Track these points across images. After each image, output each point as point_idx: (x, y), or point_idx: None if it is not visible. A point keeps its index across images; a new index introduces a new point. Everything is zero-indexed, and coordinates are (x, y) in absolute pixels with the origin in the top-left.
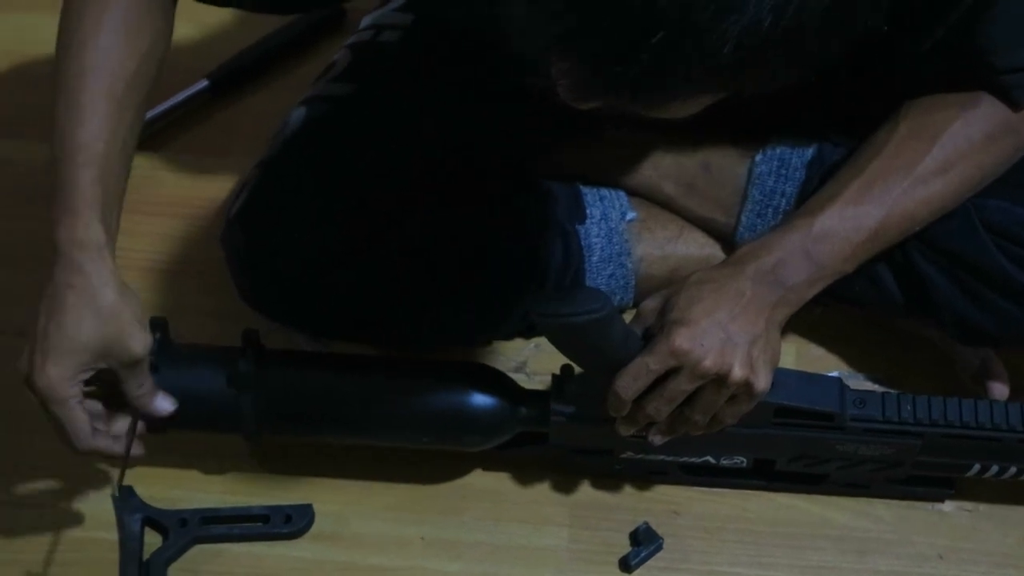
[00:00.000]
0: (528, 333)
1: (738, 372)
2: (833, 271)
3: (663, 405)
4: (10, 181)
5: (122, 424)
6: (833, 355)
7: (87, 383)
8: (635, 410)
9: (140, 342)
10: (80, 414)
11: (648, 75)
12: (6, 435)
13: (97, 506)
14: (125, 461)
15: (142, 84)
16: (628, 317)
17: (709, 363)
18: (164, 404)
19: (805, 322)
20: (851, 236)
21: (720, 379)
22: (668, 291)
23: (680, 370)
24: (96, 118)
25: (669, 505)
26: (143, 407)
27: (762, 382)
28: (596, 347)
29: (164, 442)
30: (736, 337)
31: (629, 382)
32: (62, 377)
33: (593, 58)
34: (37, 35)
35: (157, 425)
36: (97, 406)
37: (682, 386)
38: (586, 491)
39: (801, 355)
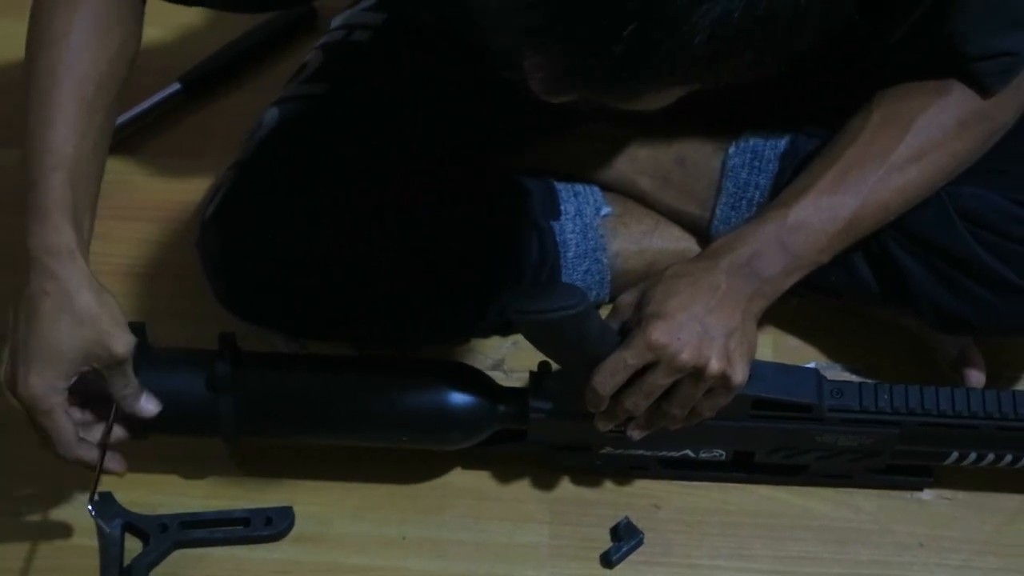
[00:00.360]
0: (505, 330)
1: (715, 365)
2: (809, 262)
3: (641, 400)
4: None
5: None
6: (810, 346)
7: (70, 389)
8: (613, 405)
9: (122, 343)
10: (65, 423)
11: (621, 67)
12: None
13: (77, 512)
14: (99, 470)
15: (113, 85)
16: (604, 312)
17: (686, 356)
18: (149, 405)
19: (781, 313)
20: (826, 226)
21: (697, 372)
22: (644, 285)
23: (657, 364)
24: (66, 120)
25: (649, 499)
26: (128, 407)
27: (739, 375)
28: (573, 343)
29: (143, 447)
30: (712, 330)
31: (607, 377)
32: (46, 386)
33: (565, 51)
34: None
35: (137, 431)
36: (80, 414)
37: (659, 380)
38: (566, 487)
39: (778, 347)
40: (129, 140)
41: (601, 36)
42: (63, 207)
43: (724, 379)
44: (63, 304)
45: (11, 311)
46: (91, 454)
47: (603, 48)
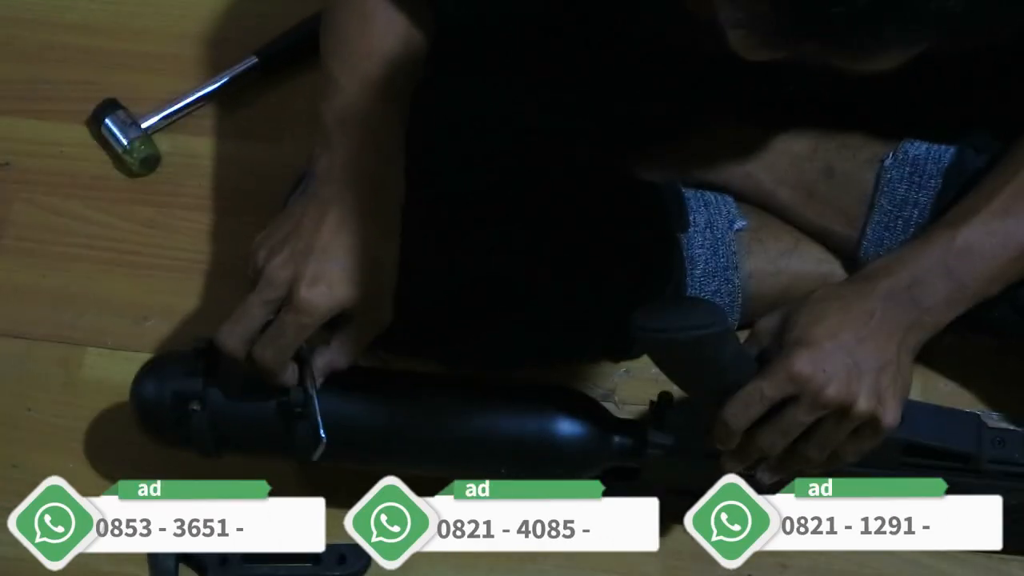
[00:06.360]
0: (617, 355)
1: (864, 403)
2: (976, 292)
3: (777, 438)
4: None
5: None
6: (965, 390)
7: None
8: (745, 443)
9: (389, 311)
10: (299, 340)
11: (864, 20)
12: (25, 452)
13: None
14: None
15: (421, 38)
16: None
17: (832, 392)
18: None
19: (932, 352)
20: (998, 252)
21: (843, 410)
22: (787, 308)
23: (798, 399)
24: (384, 56)
25: (775, 557)
26: (344, 361)
27: (890, 416)
28: (705, 369)
29: (204, 467)
30: (863, 363)
31: (740, 410)
32: (327, 302)
33: None
34: None
35: (210, 450)
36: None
37: (800, 417)
38: (681, 538)
39: (927, 389)
40: (197, 120)
41: None
42: (400, 146)
43: (873, 420)
44: (373, 242)
45: (317, 204)
46: (292, 379)
47: None
